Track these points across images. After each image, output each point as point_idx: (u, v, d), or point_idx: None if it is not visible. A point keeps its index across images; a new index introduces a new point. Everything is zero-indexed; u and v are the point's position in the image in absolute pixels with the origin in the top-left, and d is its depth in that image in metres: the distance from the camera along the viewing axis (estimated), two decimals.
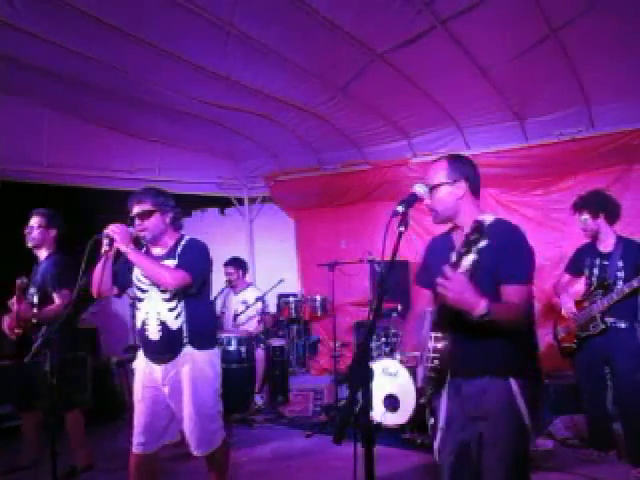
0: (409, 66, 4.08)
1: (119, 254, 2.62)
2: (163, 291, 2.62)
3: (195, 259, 2.66)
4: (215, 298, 5.05)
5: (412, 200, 1.93)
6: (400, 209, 1.86)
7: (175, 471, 3.58)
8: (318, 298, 6.29)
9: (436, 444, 2.08)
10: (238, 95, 4.65)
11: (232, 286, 5.38)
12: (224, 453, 2.81)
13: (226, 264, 5.35)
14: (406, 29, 3.53)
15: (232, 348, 4.74)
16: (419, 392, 2.13)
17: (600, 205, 3.45)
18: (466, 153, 5.20)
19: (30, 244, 3.53)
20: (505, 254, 1.85)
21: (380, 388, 4.15)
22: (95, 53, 3.95)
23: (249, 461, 3.83)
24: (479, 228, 1.70)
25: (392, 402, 4.13)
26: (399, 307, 4.93)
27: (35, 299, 3.43)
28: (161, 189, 2.79)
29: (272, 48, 3.81)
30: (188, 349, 2.64)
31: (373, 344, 4.86)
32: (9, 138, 4.86)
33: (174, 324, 2.62)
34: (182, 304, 2.64)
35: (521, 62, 3.84)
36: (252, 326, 5.23)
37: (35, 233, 3.51)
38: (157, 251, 2.73)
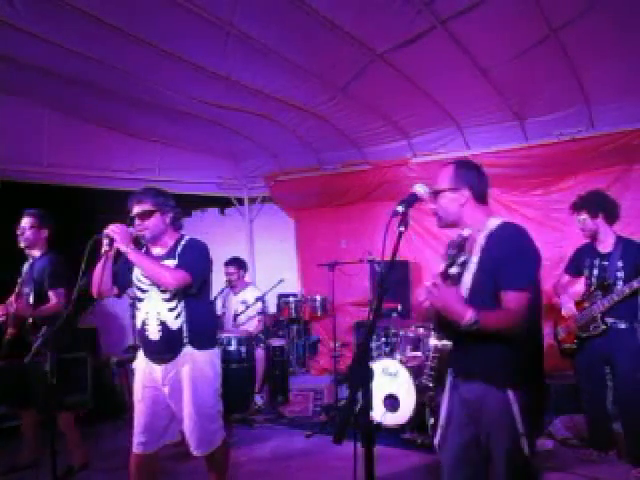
0: (409, 66, 4.08)
1: (119, 254, 2.63)
2: (163, 291, 2.62)
3: (195, 259, 2.66)
4: (215, 298, 5.06)
5: (412, 200, 1.93)
6: (400, 209, 1.86)
7: (175, 471, 3.58)
8: (318, 298, 6.30)
9: (436, 440, 2.08)
10: (238, 95, 4.65)
11: (231, 286, 5.38)
12: (224, 453, 2.82)
13: (227, 264, 5.35)
14: (406, 29, 3.52)
15: (232, 348, 4.74)
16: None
17: (599, 205, 3.45)
18: (466, 153, 5.21)
19: (22, 244, 3.55)
20: (505, 260, 1.86)
21: (380, 388, 4.15)
22: (95, 53, 3.95)
23: (249, 461, 3.84)
24: (456, 243, 1.81)
25: (392, 402, 4.13)
26: (399, 307, 4.93)
27: (31, 298, 3.45)
28: (161, 189, 2.80)
29: (272, 48, 3.81)
30: (188, 349, 2.64)
31: (373, 344, 4.87)
32: (9, 138, 4.86)
33: (174, 324, 2.63)
34: (182, 304, 2.64)
35: (521, 62, 3.84)
36: (252, 326, 5.23)
37: (27, 233, 3.52)
38: (157, 251, 2.74)
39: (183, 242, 2.72)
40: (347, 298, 6.25)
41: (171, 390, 2.64)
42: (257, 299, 5.13)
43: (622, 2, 3.23)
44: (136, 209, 2.65)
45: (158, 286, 2.61)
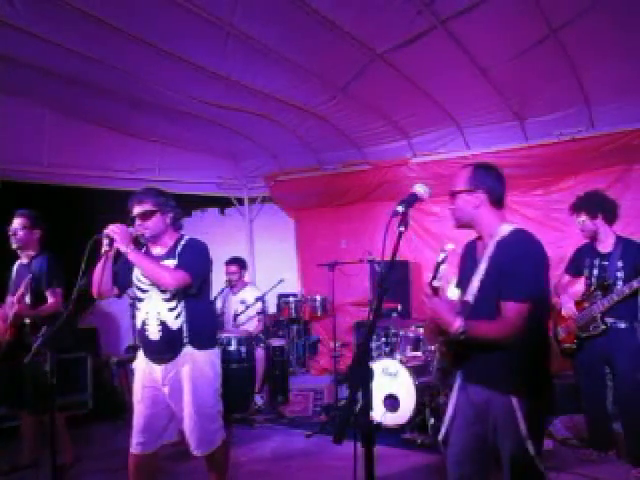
0: (409, 66, 4.08)
1: (119, 254, 2.62)
2: (163, 291, 2.62)
3: (195, 259, 2.66)
4: (215, 298, 5.06)
5: (412, 200, 1.93)
6: (400, 209, 1.86)
7: (175, 471, 3.58)
8: (318, 298, 6.30)
9: (441, 435, 2.10)
10: (238, 95, 4.65)
11: (231, 286, 5.37)
12: (224, 453, 2.82)
13: (229, 263, 5.34)
14: (406, 29, 3.52)
15: (232, 348, 4.74)
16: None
17: (597, 206, 3.45)
18: (466, 153, 5.20)
19: (15, 245, 3.54)
20: (508, 269, 1.87)
21: (380, 388, 4.15)
22: (95, 53, 3.95)
23: (249, 461, 3.83)
24: (441, 259, 1.89)
25: (392, 402, 4.13)
26: (399, 307, 4.94)
27: (27, 299, 3.45)
28: (161, 189, 2.80)
29: (272, 48, 3.81)
30: (188, 349, 2.64)
31: (373, 344, 4.87)
32: (9, 138, 4.86)
33: (174, 324, 2.63)
34: (182, 304, 2.64)
35: (521, 62, 3.84)
36: (252, 326, 5.23)
37: (20, 234, 3.52)
38: (157, 251, 2.74)
39: (183, 242, 2.72)
40: (347, 298, 6.25)
41: (171, 390, 2.64)
42: (257, 299, 5.12)
43: (622, 2, 3.23)
44: (137, 209, 2.65)
45: (158, 286, 2.61)
